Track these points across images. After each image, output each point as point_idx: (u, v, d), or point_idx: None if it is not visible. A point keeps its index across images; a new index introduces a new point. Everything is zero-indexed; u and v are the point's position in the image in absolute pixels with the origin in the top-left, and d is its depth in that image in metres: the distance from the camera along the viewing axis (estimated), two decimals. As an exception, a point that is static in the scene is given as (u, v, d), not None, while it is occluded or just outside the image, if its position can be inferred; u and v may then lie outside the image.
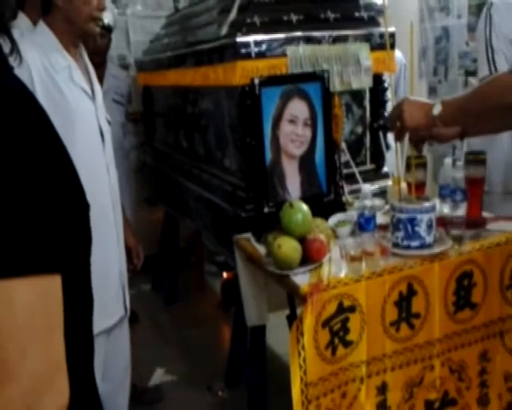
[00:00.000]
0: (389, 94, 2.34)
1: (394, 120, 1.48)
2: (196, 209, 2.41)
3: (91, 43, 2.69)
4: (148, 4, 3.85)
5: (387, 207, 1.73)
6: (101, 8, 1.56)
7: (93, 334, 0.75)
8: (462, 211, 1.64)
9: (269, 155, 1.74)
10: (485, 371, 1.50)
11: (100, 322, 1.55)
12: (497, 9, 1.99)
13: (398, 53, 2.89)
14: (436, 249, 1.43)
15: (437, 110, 1.39)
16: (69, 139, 1.46)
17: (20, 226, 0.57)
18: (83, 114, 1.53)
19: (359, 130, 2.07)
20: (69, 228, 0.63)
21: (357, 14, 2.02)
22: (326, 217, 1.68)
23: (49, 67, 1.52)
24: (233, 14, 2.04)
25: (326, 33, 1.90)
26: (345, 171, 1.94)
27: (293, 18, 1.94)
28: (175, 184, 2.73)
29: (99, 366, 1.55)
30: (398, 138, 1.52)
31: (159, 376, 2.57)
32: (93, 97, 1.60)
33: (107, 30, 2.84)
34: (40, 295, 0.58)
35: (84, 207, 0.68)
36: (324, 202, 1.79)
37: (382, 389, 1.38)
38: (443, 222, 1.56)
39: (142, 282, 3.47)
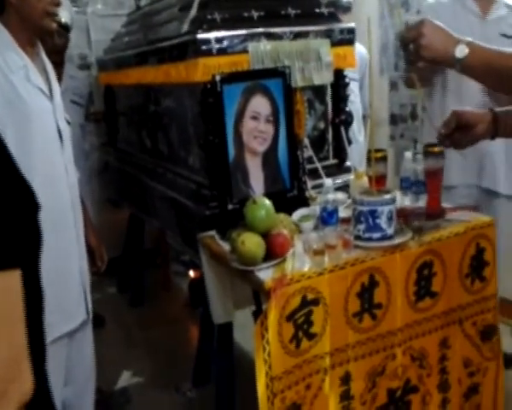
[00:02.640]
0: (353, 89, 2.37)
1: (408, 41, 1.29)
2: (161, 209, 2.39)
3: (49, 42, 2.64)
4: (109, 3, 3.79)
5: (350, 200, 1.75)
6: (56, 3, 1.52)
7: (44, 332, 0.74)
8: (422, 203, 1.68)
9: (232, 152, 1.74)
10: (445, 357, 1.54)
11: (60, 325, 1.52)
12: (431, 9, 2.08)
13: (362, 49, 2.94)
14: (396, 241, 1.46)
15: (461, 53, 1.24)
16: (25, 139, 1.45)
17: None
18: (39, 114, 1.50)
19: (322, 125, 2.08)
20: (21, 227, 0.64)
21: (317, 11, 2.04)
22: (290, 212, 1.68)
23: (4, 67, 1.48)
24: (193, 11, 2.03)
25: (287, 29, 1.91)
26: (308, 166, 1.96)
27: (254, 14, 1.94)
28: (139, 183, 2.70)
29: (61, 370, 1.52)
30: (412, 63, 1.35)
31: (125, 378, 2.54)
32: (51, 97, 1.57)
33: (65, 29, 2.79)
34: (3, 289, 0.62)
35: (34, 206, 0.68)
36: (288, 197, 1.80)
37: (346, 379, 1.40)
38: (403, 214, 1.59)
39: (108, 285, 3.42)
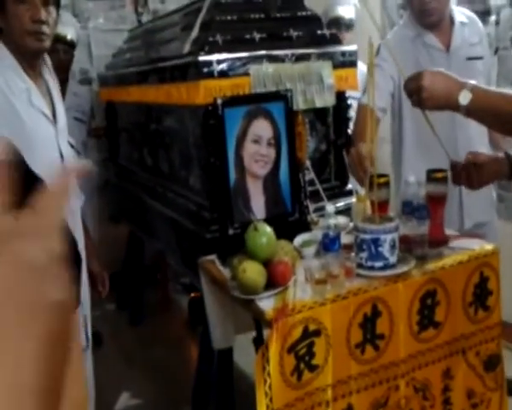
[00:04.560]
0: (354, 107, 2.35)
1: (410, 93, 1.34)
2: (161, 228, 2.37)
3: (54, 59, 2.64)
4: (111, 18, 3.80)
5: (352, 225, 1.73)
6: (37, 20, 1.47)
7: None
8: (425, 228, 1.66)
9: (233, 176, 1.73)
10: (448, 388, 1.51)
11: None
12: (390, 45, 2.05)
13: (364, 67, 2.90)
14: (399, 269, 1.44)
15: (465, 99, 1.26)
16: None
17: None
18: (41, 139, 1.48)
19: (323, 147, 2.07)
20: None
21: (319, 33, 2.03)
22: (291, 236, 1.67)
23: (6, 90, 1.47)
24: (195, 32, 2.02)
25: (289, 52, 1.90)
26: (309, 188, 1.94)
27: (256, 36, 1.93)
28: (139, 201, 2.68)
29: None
30: (417, 106, 1.39)
31: (124, 400, 2.51)
32: (54, 121, 1.55)
33: (70, 46, 2.79)
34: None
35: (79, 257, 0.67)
36: (289, 221, 1.79)
37: (348, 412, 1.37)
38: (406, 240, 1.57)
39: (107, 301, 3.38)
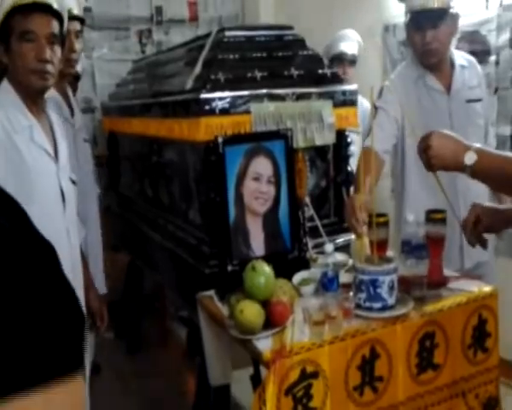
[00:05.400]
0: (355, 141, 2.38)
1: (420, 151, 1.41)
2: (160, 260, 2.38)
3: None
4: (115, 48, 3.85)
5: (351, 262, 1.74)
6: (42, 59, 1.49)
7: None
8: (424, 268, 1.66)
9: (233, 212, 1.74)
10: (448, 431, 1.50)
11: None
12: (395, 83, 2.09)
13: (366, 103, 2.93)
14: (398, 311, 1.44)
15: (470, 160, 1.31)
16: (26, 201, 1.44)
17: (46, 332, 0.57)
18: (42, 176, 1.50)
19: (323, 184, 2.09)
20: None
21: (320, 72, 2.06)
22: (290, 274, 1.67)
23: (8, 127, 1.49)
24: (198, 69, 2.05)
25: (290, 91, 1.93)
26: (308, 224, 1.95)
27: (258, 75, 1.96)
28: (139, 231, 2.69)
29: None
30: (429, 169, 1.44)
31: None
32: (56, 158, 1.57)
33: (76, 78, 2.83)
34: (75, 391, 0.56)
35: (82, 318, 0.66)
36: (288, 259, 1.79)
37: (346, 457, 1.36)
38: (405, 281, 1.57)
39: (106, 329, 3.36)
